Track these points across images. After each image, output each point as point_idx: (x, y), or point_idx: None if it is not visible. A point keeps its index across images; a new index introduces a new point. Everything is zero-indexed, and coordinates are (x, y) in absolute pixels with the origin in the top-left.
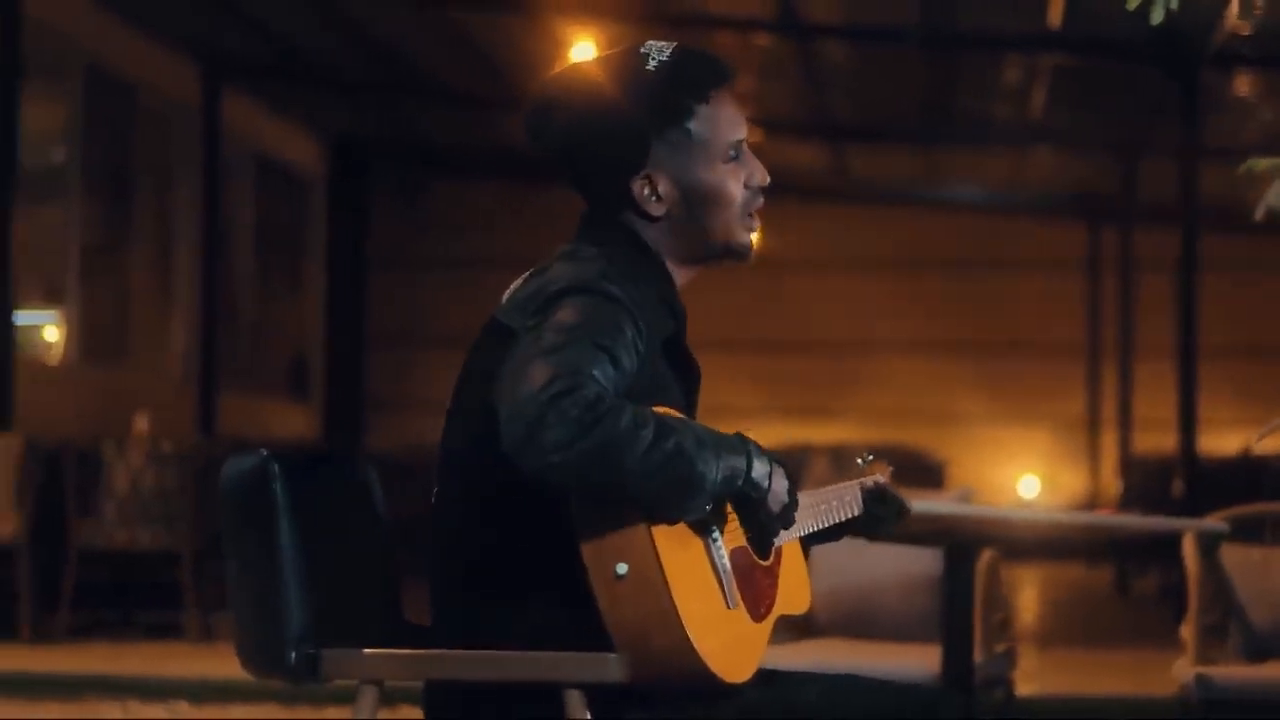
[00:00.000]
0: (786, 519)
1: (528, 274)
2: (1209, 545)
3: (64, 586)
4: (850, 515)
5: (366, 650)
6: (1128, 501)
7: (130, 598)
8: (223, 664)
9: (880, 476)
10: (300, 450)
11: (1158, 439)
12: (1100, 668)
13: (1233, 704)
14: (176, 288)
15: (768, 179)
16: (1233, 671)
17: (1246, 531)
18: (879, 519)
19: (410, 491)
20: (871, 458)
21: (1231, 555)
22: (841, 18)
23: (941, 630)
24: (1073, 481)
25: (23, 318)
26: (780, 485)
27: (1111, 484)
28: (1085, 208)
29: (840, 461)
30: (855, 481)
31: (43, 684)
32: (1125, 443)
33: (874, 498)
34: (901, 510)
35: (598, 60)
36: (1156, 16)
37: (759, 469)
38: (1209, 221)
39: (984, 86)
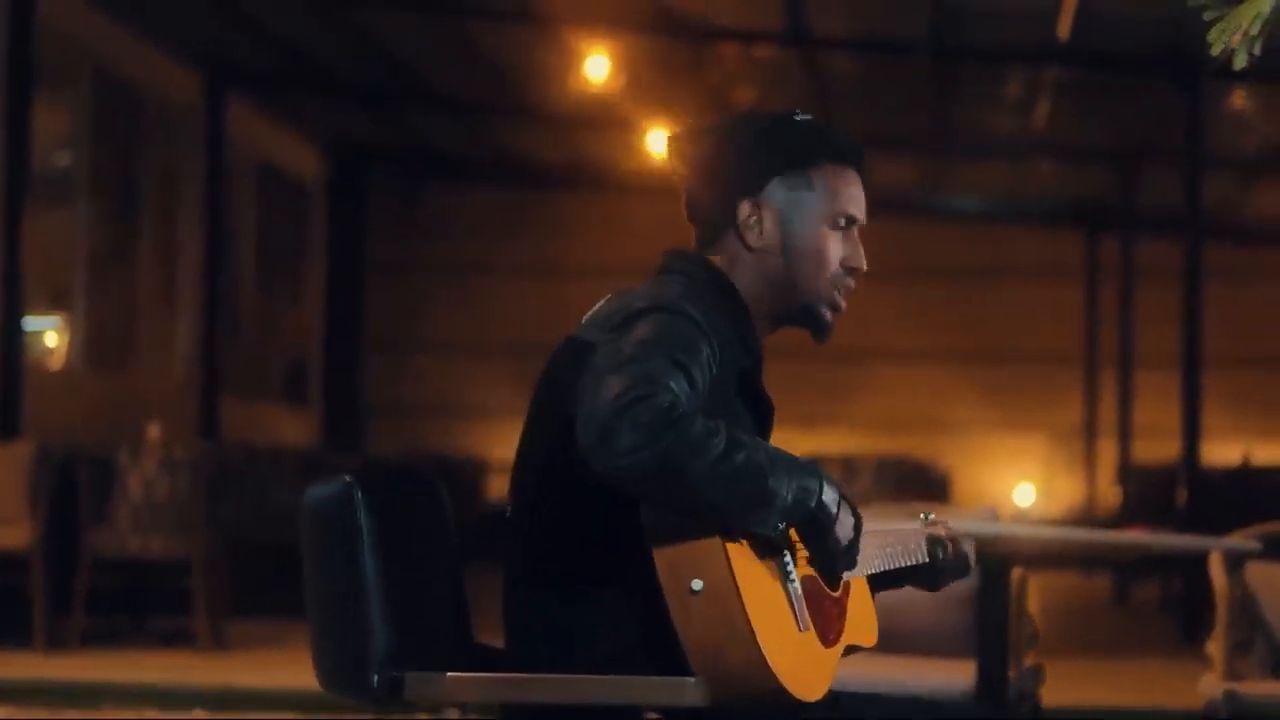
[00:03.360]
0: (851, 556)
1: (609, 296)
2: (1235, 562)
3: (76, 593)
4: (915, 562)
5: (449, 674)
6: (1126, 509)
7: (143, 604)
8: (234, 671)
9: (942, 531)
10: (378, 470)
11: (1154, 448)
12: (1103, 678)
13: None
14: (180, 293)
15: (864, 267)
16: (1261, 688)
17: (1272, 548)
18: (941, 569)
19: None
20: (932, 516)
21: (1257, 572)
22: (848, 30)
23: (977, 646)
24: (1069, 490)
25: (28, 323)
26: (847, 520)
27: (1108, 492)
28: (1085, 217)
29: (850, 474)
30: (923, 528)
31: (56, 692)
32: (1123, 451)
33: (939, 546)
34: (964, 567)
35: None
36: (1239, 62)
37: (829, 494)
38: (1209, 230)
39: (988, 98)
